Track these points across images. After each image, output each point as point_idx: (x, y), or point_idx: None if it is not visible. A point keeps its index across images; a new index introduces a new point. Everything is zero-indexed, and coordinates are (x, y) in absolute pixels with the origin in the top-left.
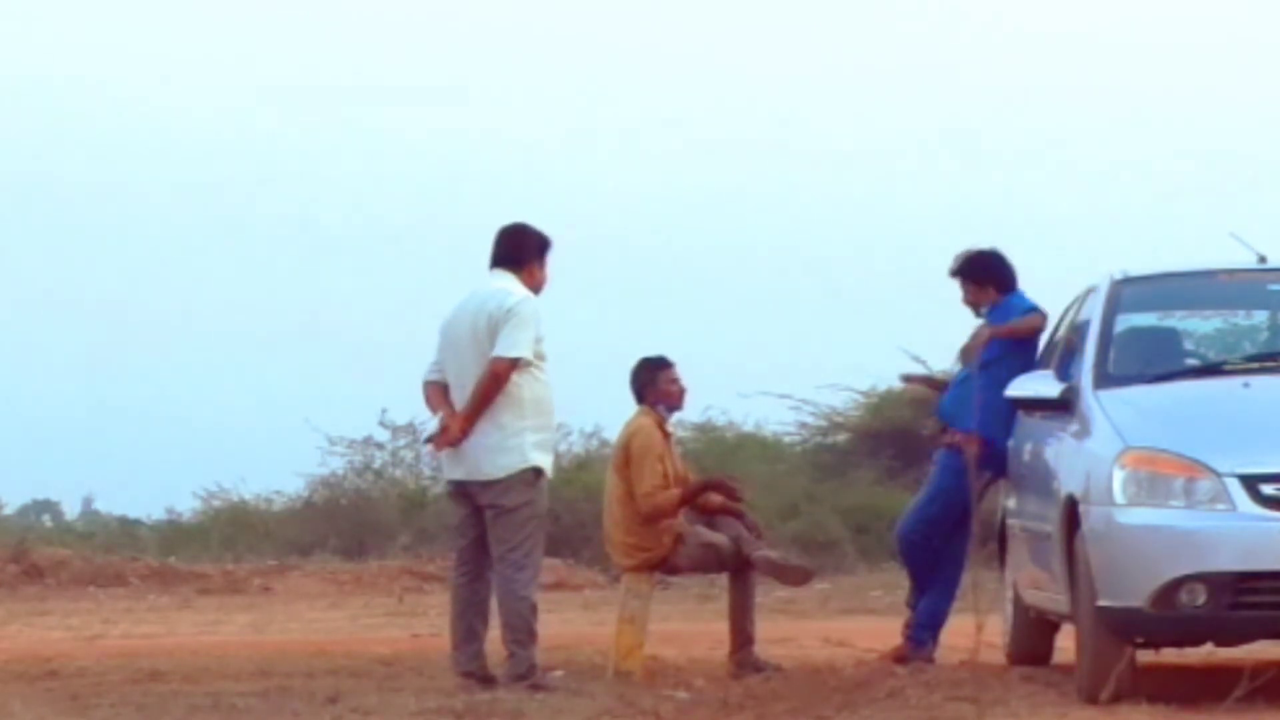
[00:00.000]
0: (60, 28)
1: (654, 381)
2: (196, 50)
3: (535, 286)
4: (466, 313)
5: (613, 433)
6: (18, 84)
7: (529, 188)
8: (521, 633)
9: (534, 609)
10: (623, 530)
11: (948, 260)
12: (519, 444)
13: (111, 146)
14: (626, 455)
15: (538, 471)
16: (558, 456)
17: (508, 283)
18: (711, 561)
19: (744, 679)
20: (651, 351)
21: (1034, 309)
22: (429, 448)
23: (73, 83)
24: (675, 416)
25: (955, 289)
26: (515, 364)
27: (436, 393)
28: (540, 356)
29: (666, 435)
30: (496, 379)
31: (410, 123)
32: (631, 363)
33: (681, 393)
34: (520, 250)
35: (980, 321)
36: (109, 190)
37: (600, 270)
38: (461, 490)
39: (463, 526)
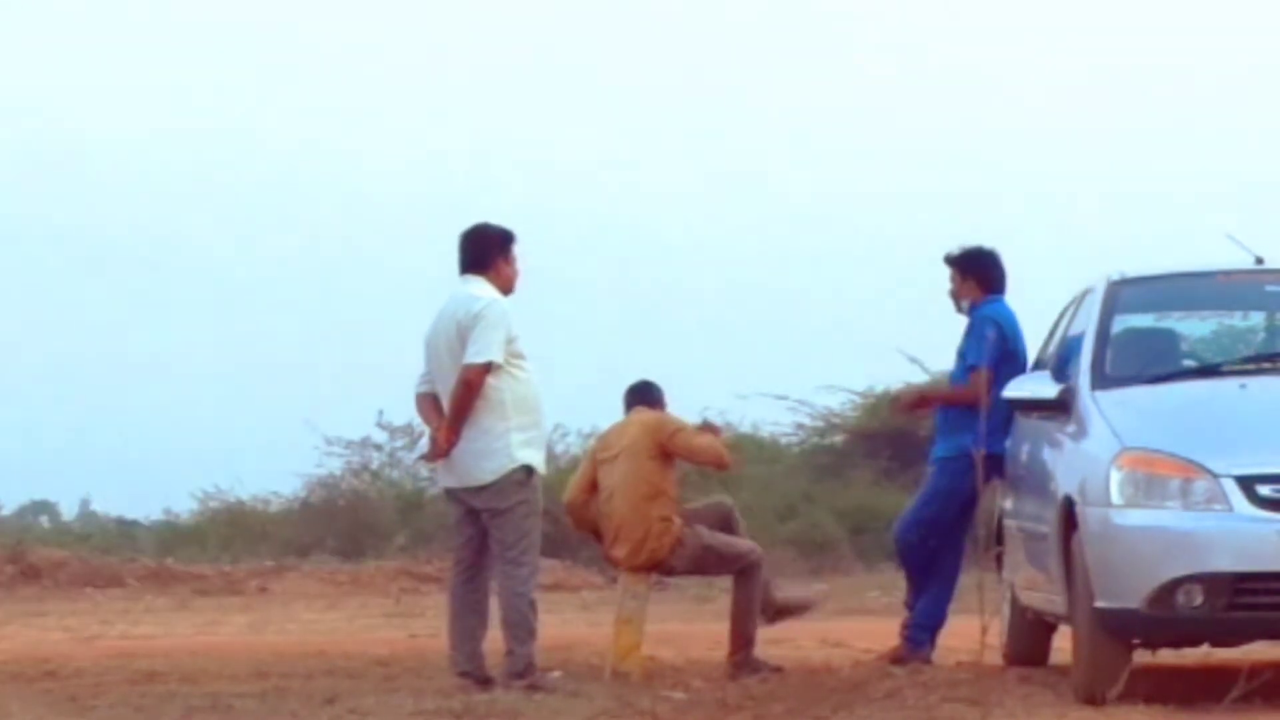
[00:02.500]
0: (49, 39)
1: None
2: (197, 50)
3: (505, 285)
4: (443, 321)
5: None
6: (12, 87)
7: (529, 189)
8: (520, 630)
9: (533, 606)
10: (629, 527)
11: (945, 259)
12: (505, 446)
13: (111, 144)
14: (666, 433)
15: (529, 470)
16: (555, 457)
17: (476, 287)
18: (709, 564)
19: (741, 679)
20: (649, 352)
21: (992, 331)
22: (423, 462)
23: (72, 79)
24: None
25: (945, 282)
26: (487, 368)
27: (429, 405)
28: (518, 355)
29: None
30: (469, 386)
31: (412, 123)
32: (628, 362)
33: None
34: (483, 252)
35: (965, 320)
36: (108, 189)
37: (598, 270)
38: (456, 495)
39: (459, 527)
